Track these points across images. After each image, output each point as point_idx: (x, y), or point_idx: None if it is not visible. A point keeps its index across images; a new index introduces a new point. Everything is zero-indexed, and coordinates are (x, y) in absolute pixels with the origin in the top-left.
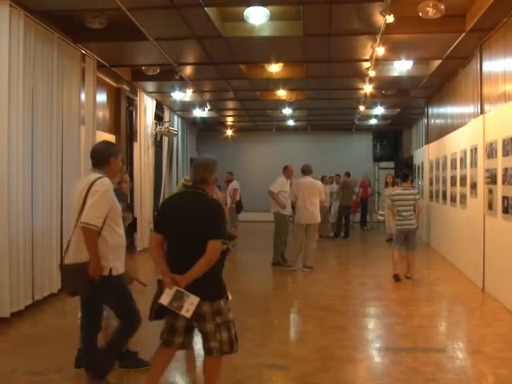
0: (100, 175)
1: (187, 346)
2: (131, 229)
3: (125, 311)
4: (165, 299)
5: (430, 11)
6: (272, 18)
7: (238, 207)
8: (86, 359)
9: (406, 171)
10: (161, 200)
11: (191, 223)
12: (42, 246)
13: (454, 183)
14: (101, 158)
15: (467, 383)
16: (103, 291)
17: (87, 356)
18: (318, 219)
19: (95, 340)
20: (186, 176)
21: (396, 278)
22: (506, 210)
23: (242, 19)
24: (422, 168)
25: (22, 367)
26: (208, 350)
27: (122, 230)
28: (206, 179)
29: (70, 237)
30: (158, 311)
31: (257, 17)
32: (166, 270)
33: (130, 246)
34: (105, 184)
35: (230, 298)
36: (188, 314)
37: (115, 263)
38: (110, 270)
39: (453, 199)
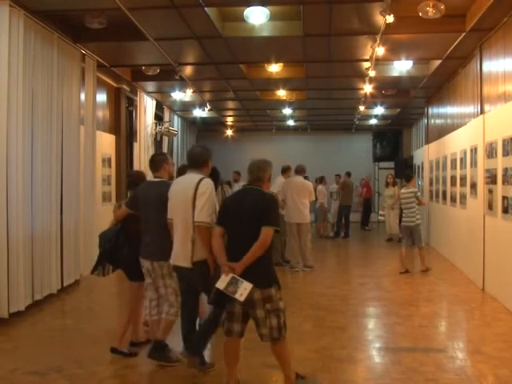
0: (201, 176)
1: (243, 333)
2: None
3: None
4: (221, 284)
5: (430, 11)
6: (272, 17)
7: None
8: (190, 343)
9: (408, 171)
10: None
11: (249, 215)
12: (42, 246)
13: (453, 183)
14: (199, 160)
15: (467, 383)
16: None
17: (189, 340)
18: (308, 219)
19: (195, 325)
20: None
21: (405, 272)
22: (505, 210)
23: (242, 19)
24: (422, 168)
25: (22, 367)
26: (260, 336)
27: None
28: (261, 177)
29: (173, 235)
30: (218, 299)
31: (257, 17)
32: (225, 258)
33: None
34: (209, 184)
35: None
36: (241, 298)
37: None
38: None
39: (453, 199)
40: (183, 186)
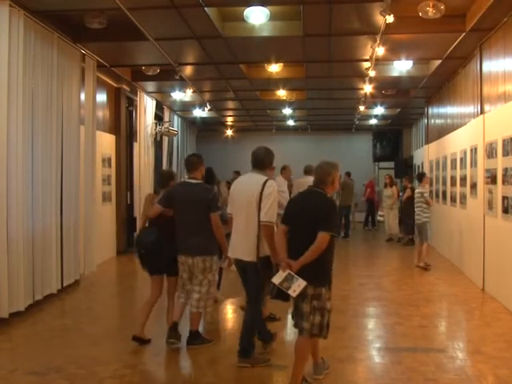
0: (265, 177)
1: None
2: None
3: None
4: (277, 279)
5: (430, 11)
6: (272, 17)
7: None
8: (260, 333)
9: (421, 173)
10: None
11: (308, 217)
12: (42, 246)
13: (453, 183)
14: (263, 161)
15: (467, 383)
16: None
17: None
18: None
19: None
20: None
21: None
22: (505, 210)
23: (242, 19)
24: (422, 168)
25: (22, 367)
26: (300, 329)
27: None
28: (324, 181)
29: (233, 230)
30: (279, 293)
31: (257, 17)
32: (285, 255)
33: None
34: (273, 185)
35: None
36: (294, 294)
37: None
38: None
39: (453, 199)
40: (248, 186)
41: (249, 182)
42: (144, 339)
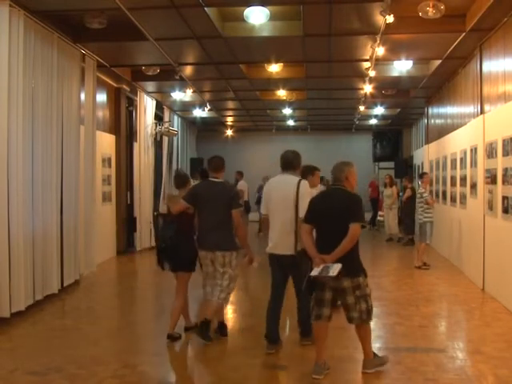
0: (298, 177)
1: (331, 317)
2: None
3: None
4: (314, 273)
5: (430, 11)
6: (272, 17)
7: (246, 208)
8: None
9: (421, 173)
10: (160, 200)
11: (336, 211)
12: (43, 246)
13: (453, 183)
14: (292, 163)
15: (467, 383)
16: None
17: (277, 315)
18: None
19: (282, 304)
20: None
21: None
22: (505, 210)
23: (242, 19)
24: (422, 168)
25: (22, 367)
26: (349, 319)
27: None
28: (339, 177)
29: (270, 229)
30: (309, 287)
31: (257, 17)
32: (316, 252)
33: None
34: (307, 185)
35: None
36: (334, 274)
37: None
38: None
39: (453, 199)
40: (283, 187)
41: (283, 183)
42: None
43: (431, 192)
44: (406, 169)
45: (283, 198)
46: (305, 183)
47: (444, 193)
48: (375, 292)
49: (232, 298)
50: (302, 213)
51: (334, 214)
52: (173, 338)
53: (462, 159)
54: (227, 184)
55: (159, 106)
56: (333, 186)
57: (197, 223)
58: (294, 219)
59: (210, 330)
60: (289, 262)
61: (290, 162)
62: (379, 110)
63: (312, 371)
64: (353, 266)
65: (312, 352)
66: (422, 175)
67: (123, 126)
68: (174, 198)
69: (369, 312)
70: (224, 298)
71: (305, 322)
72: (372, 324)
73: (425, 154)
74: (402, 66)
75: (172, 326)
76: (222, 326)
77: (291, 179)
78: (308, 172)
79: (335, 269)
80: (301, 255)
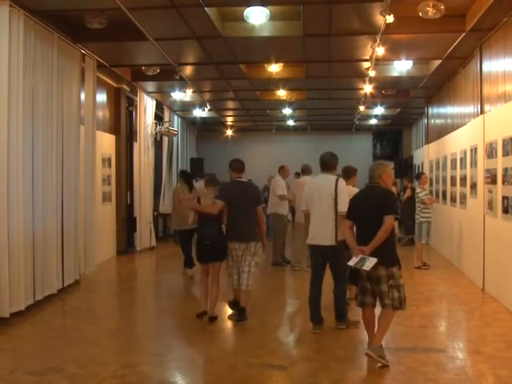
0: (335, 176)
1: (375, 304)
2: None
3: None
4: (351, 263)
5: (430, 11)
6: (272, 17)
7: None
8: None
9: (418, 173)
10: (161, 200)
11: (372, 207)
12: (43, 246)
13: (453, 183)
14: (329, 164)
15: (467, 383)
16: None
17: (319, 301)
18: None
19: (321, 290)
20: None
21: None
22: (505, 210)
23: (242, 19)
24: (422, 168)
25: (22, 367)
26: (383, 306)
27: None
28: (373, 176)
29: (311, 222)
30: (353, 277)
31: (257, 17)
32: (355, 243)
33: None
34: (344, 182)
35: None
36: (367, 268)
37: None
38: None
39: (453, 199)
40: (323, 184)
41: (323, 182)
42: (213, 316)
43: (431, 192)
44: (406, 169)
45: (324, 195)
46: (342, 181)
47: (444, 193)
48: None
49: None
50: (341, 207)
51: (370, 209)
52: (213, 318)
53: (462, 159)
54: (252, 183)
55: (159, 106)
56: (369, 184)
57: (226, 218)
58: (333, 213)
59: (245, 313)
60: (329, 251)
61: (327, 163)
62: (379, 110)
63: (368, 349)
64: (388, 256)
65: (312, 353)
66: (419, 175)
67: (123, 126)
68: (205, 195)
69: (401, 300)
70: (252, 284)
71: (340, 307)
72: None
73: (425, 154)
74: (402, 66)
75: (212, 308)
76: (243, 311)
77: (329, 178)
78: (350, 172)
79: (370, 262)
80: (340, 245)
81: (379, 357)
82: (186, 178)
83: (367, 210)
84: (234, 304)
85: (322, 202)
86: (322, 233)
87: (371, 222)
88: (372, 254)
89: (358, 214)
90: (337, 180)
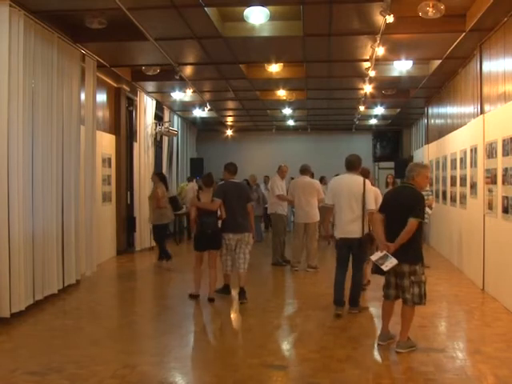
0: (361, 177)
1: (398, 297)
2: None
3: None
4: (374, 257)
5: (430, 11)
6: (272, 17)
7: None
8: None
9: None
10: None
11: (401, 206)
12: (43, 246)
13: (453, 183)
14: (355, 165)
15: (467, 383)
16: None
17: (342, 289)
18: (316, 218)
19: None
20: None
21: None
22: (505, 210)
23: (241, 19)
24: None
25: (22, 367)
26: (403, 300)
27: None
28: (407, 176)
29: (336, 217)
30: (377, 269)
31: (257, 17)
32: (384, 238)
33: None
34: (369, 183)
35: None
36: (385, 269)
37: None
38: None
39: (453, 199)
40: (350, 182)
41: (350, 181)
42: (211, 297)
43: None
44: (405, 169)
45: (352, 193)
46: (368, 182)
47: (444, 193)
48: (375, 292)
49: (232, 298)
50: (369, 204)
51: (398, 208)
52: (212, 299)
53: (461, 159)
54: (244, 184)
55: (159, 106)
56: (403, 184)
57: (224, 213)
58: (361, 209)
59: (245, 293)
60: (355, 243)
61: (354, 165)
62: (379, 110)
63: (377, 339)
64: (412, 254)
65: (312, 353)
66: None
67: (123, 125)
68: (204, 193)
69: (421, 296)
70: (246, 268)
71: (354, 293)
72: (372, 324)
73: (425, 154)
74: (402, 66)
75: (212, 291)
76: (244, 291)
77: (356, 178)
78: (367, 173)
79: (390, 263)
80: (366, 238)
81: (409, 348)
82: (163, 179)
83: (396, 209)
84: (224, 288)
85: (352, 199)
86: (351, 227)
87: (398, 220)
88: (398, 251)
89: (388, 209)
90: (364, 181)
